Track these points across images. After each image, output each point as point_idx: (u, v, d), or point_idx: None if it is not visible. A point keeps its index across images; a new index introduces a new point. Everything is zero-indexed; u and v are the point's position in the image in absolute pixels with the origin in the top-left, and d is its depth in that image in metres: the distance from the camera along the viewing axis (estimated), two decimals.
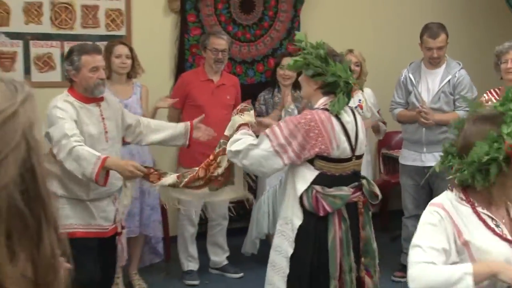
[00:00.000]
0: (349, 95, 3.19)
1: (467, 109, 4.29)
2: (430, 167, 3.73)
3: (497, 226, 2.24)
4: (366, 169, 4.67)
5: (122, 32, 4.95)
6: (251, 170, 3.28)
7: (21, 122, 0.91)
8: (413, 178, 4.62)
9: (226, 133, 3.36)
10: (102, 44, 4.48)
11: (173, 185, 3.37)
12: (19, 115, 0.91)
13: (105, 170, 3.20)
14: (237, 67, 5.21)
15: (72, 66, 3.42)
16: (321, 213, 3.07)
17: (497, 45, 4.22)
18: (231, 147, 3.20)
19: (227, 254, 4.81)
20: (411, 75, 4.61)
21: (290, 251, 3.16)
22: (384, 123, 4.97)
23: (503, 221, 2.27)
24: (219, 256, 4.79)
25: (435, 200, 2.34)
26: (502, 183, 2.15)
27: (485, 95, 4.11)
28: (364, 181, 3.28)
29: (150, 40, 4.90)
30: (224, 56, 4.53)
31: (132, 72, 4.32)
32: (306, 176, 3.12)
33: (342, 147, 3.10)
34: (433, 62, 4.56)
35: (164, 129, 3.77)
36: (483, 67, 4.80)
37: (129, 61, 4.25)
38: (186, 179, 3.35)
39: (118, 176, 3.42)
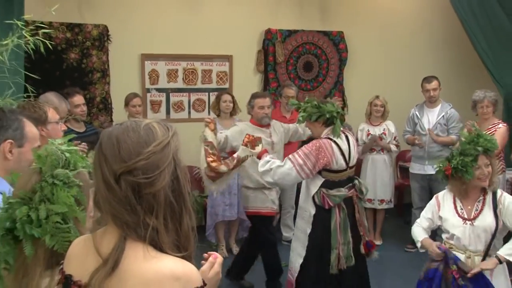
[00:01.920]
0: (341, 121, 3.53)
1: (457, 134, 5.10)
2: (431, 174, 4.99)
3: (461, 208, 3.03)
4: (389, 176, 5.54)
5: (226, 85, 5.91)
6: (278, 183, 3.54)
7: (172, 148, 1.16)
8: (419, 182, 5.43)
9: (240, 154, 3.73)
10: (214, 94, 5.50)
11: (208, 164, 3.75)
12: (171, 144, 1.16)
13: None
14: None
15: (250, 105, 4.22)
16: (326, 207, 3.50)
17: (475, 91, 4.98)
18: (264, 167, 3.50)
19: (293, 231, 4.44)
20: (417, 112, 5.43)
21: (309, 230, 3.57)
22: (398, 146, 5.55)
23: (469, 207, 3.00)
24: (288, 233, 5.50)
25: (438, 193, 3.15)
26: (469, 184, 2.96)
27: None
28: (356, 182, 3.65)
29: (244, 90, 5.44)
30: None
31: (233, 111, 5.09)
32: (316, 182, 3.53)
33: (340, 163, 3.51)
34: (431, 100, 5.28)
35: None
36: (466, 107, 5.23)
37: (231, 105, 5.05)
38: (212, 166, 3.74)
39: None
